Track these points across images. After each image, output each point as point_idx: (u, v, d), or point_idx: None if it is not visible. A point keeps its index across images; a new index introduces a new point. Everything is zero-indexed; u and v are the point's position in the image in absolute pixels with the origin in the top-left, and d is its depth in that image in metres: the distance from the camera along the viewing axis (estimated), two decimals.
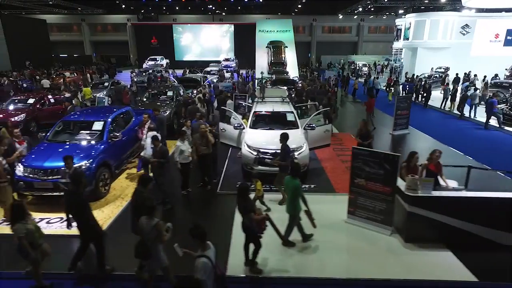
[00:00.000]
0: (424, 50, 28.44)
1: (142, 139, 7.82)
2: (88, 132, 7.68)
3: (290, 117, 9.01)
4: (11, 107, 13.21)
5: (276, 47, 27.26)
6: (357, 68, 36.61)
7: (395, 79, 24.66)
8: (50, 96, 14.19)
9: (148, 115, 8.42)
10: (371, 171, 5.86)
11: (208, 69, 27.45)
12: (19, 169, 6.56)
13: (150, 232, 3.92)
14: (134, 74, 26.78)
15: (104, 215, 6.62)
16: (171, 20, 49.34)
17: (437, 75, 25.23)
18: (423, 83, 20.47)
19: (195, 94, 15.22)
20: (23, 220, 4.30)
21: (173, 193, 7.27)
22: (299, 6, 38.10)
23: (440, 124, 15.00)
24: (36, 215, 6.48)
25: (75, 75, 27.32)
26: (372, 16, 45.94)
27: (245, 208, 4.43)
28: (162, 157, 6.74)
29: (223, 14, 46.90)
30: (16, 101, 13.65)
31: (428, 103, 18.71)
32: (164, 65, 34.38)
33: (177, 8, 41.88)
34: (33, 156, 6.80)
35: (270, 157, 7.52)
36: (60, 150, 6.96)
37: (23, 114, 12.58)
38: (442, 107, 17.61)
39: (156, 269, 4.14)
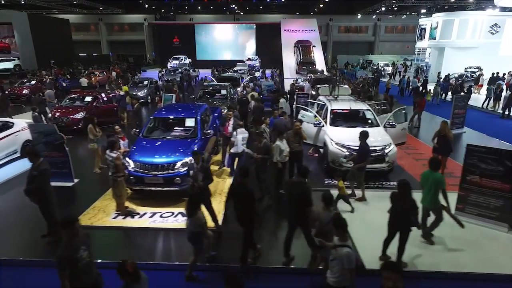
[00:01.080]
0: (451, 49, 28.38)
1: (232, 135, 7.93)
2: (182, 128, 7.81)
3: (369, 115, 9.09)
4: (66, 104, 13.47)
5: (304, 47, 27.34)
6: (380, 68, 36.52)
7: (423, 79, 24.58)
8: (103, 95, 14.38)
9: (232, 112, 8.54)
10: (488, 168, 5.92)
11: (236, 68, 27.56)
12: (129, 164, 6.69)
13: (328, 223, 4.02)
14: (162, 73, 26.99)
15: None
16: (188, 19, 49.58)
17: (469, 75, 25.14)
18: (459, 82, 20.44)
19: (240, 92, 15.35)
20: (199, 211, 4.45)
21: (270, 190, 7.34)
22: (321, 6, 38.07)
23: (488, 123, 14.98)
24: (147, 210, 6.64)
25: (104, 74, 27.63)
26: (391, 16, 45.81)
27: (412, 205, 4.50)
28: (266, 153, 6.85)
29: (242, 13, 47.03)
30: (70, 99, 13.88)
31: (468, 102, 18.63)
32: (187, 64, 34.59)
33: (199, 7, 42.09)
34: (139, 152, 6.92)
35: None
36: (163, 146, 7.10)
37: (83, 112, 12.77)
38: (485, 107, 17.57)
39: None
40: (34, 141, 7.75)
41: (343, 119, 9.05)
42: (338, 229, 3.72)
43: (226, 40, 40.05)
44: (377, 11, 39.24)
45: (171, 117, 8.22)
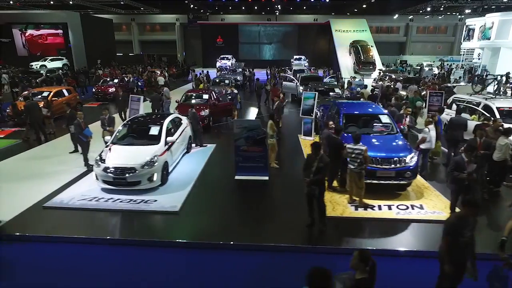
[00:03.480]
0: (508, 49, 28.39)
1: (426, 132, 8.12)
2: (381, 124, 8.04)
3: None
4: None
5: (362, 46, 27.51)
6: (424, 68, 36.54)
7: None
8: (213, 93, 14.64)
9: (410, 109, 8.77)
10: None
11: (295, 68, 27.74)
12: None
13: None
14: (223, 72, 27.24)
15: (434, 203, 6.93)
16: (220, 19, 49.93)
17: None
18: None
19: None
20: None
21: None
22: (364, 6, 38.25)
23: None
24: (378, 202, 6.86)
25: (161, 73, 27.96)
26: (428, 16, 45.75)
27: None
28: (487, 148, 7.05)
29: (277, 13, 47.25)
30: (187, 97, 14.17)
31: None
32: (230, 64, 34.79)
33: (243, 7, 42.38)
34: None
35: None
36: (380, 141, 7.35)
37: (207, 110, 13.03)
38: None
39: None
40: (236, 135, 7.99)
41: (510, 116, 9.22)
42: None
43: (268, 40, 40.34)
44: (420, 12, 39.21)
45: (364, 113, 8.46)
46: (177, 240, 5.80)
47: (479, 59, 32.86)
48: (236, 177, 8.23)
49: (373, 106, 9.09)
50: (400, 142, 7.38)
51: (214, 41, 39.63)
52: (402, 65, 44.50)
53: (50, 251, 5.56)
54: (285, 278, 4.93)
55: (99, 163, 7.17)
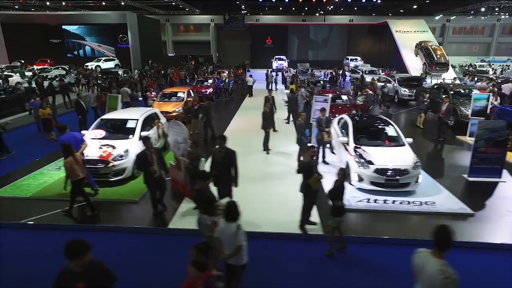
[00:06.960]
0: None
1: None
2: None
3: None
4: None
5: (432, 47, 27.40)
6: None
7: None
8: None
9: None
10: None
11: (364, 68, 27.64)
12: None
13: None
14: (293, 73, 27.11)
15: None
16: (254, 20, 49.86)
17: None
18: None
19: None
20: None
21: None
22: (414, 7, 38.15)
23: None
24: None
25: (231, 74, 27.88)
26: (470, 17, 45.59)
27: None
28: None
29: (317, 14, 47.15)
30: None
31: None
32: (287, 65, 34.73)
33: (293, 8, 42.27)
34: None
35: None
36: None
37: (353, 111, 12.94)
38: None
39: None
40: (478, 136, 7.86)
41: None
42: None
43: (318, 41, 40.32)
44: (472, 12, 39.03)
45: None
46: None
47: None
48: (470, 179, 8.09)
49: None
50: None
51: (263, 41, 39.57)
52: None
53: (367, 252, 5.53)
54: None
55: (368, 165, 7.03)
